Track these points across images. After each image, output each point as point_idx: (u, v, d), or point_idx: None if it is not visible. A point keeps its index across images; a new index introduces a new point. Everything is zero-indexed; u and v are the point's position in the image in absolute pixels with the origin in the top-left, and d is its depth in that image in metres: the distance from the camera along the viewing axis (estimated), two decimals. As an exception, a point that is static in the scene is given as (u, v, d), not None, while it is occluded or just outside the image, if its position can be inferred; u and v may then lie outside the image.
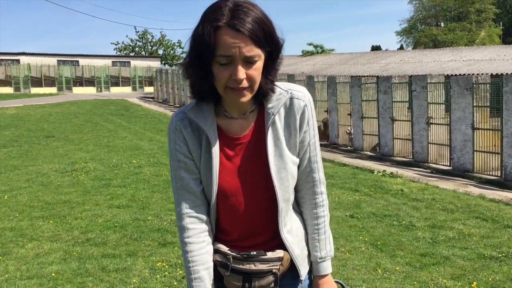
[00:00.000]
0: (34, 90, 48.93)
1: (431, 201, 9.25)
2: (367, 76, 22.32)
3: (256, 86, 1.82)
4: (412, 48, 52.38)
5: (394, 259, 6.21)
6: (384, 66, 26.29)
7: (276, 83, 1.95)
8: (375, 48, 57.16)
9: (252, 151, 1.96)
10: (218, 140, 1.92)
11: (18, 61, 54.57)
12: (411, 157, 15.08)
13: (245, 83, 1.74)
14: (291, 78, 21.91)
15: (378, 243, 6.81)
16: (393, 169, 13.04)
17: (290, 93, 1.96)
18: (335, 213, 8.39)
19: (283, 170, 1.94)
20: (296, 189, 2.07)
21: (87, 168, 12.42)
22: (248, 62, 1.72)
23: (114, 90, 51.42)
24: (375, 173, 12.34)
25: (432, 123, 14.25)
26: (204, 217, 1.98)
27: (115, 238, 7.06)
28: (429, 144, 14.33)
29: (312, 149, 2.03)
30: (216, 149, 1.91)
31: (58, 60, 57.64)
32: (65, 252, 6.52)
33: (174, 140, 1.93)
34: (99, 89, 52.68)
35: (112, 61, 58.87)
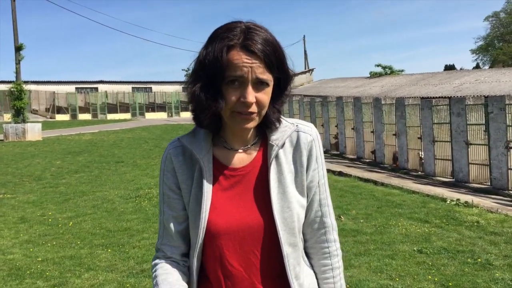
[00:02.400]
0: (110, 116, 51.53)
1: (511, 235, 8.36)
2: (439, 97, 21.24)
3: (264, 112, 1.64)
4: (489, 67, 49.68)
5: (469, 304, 5.56)
6: (458, 86, 24.95)
7: (282, 117, 1.76)
8: (449, 68, 54.83)
9: (251, 186, 1.71)
10: (212, 171, 1.69)
11: (96, 89, 57.97)
12: (488, 183, 13.96)
13: (254, 108, 1.60)
14: (357, 100, 21.34)
15: (450, 284, 6.16)
16: (469, 198, 12.08)
17: (297, 125, 1.76)
18: (401, 247, 7.78)
19: (287, 210, 1.66)
20: (305, 238, 1.79)
21: (150, 194, 12.57)
22: (259, 85, 1.60)
23: (184, 114, 52.95)
24: (448, 202, 11.48)
25: (512, 148, 13.15)
26: (179, 260, 1.76)
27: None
28: (509, 170, 13.19)
29: (322, 190, 1.77)
30: (208, 181, 1.67)
31: (132, 87, 60.53)
32: (119, 284, 6.46)
33: (163, 169, 1.75)
34: (170, 114, 54.51)
35: (183, 87, 60.87)
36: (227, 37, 1.58)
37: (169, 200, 1.74)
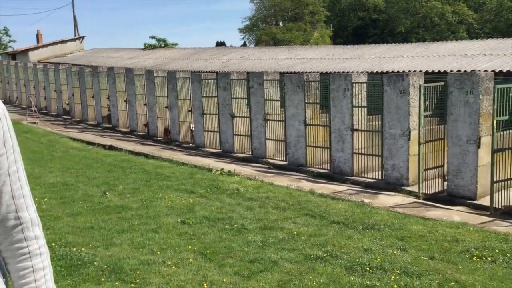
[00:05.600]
0: None
1: (265, 199, 9.18)
2: (208, 71, 22.14)
3: None
4: (254, 46, 54.24)
5: (223, 269, 5.82)
6: (226, 62, 26.45)
7: None
8: (220, 44, 57.89)
9: None
10: None
11: None
12: (250, 153, 15.18)
13: None
14: (129, 72, 20.72)
15: (208, 251, 6.38)
16: (232, 167, 12.90)
17: None
18: (166, 220, 7.79)
19: None
20: None
21: None
22: None
23: None
24: (213, 171, 12.04)
25: (269, 120, 14.48)
26: None
27: None
28: (267, 140, 14.56)
29: (15, 179, 1.47)
30: None
31: None
32: None
33: None
34: None
35: None
36: None
37: None
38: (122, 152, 15.30)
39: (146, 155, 14.75)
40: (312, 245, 6.56)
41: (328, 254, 6.19)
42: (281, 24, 57.33)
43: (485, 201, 9.57)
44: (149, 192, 9.67)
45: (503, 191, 9.35)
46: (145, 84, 19.68)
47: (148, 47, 38.54)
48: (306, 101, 13.14)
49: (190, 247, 6.56)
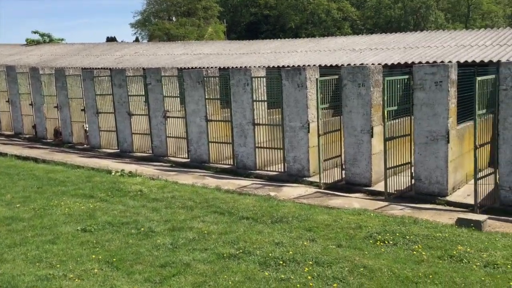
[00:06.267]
0: None
1: (171, 199, 8.90)
2: (101, 68, 21.04)
3: None
4: (148, 41, 52.76)
5: (132, 277, 5.51)
6: (119, 58, 25.37)
7: None
8: (111, 40, 55.48)
9: None
10: None
11: None
12: (151, 152, 14.69)
13: None
14: (11, 70, 18.98)
15: (114, 259, 6.00)
16: (133, 167, 12.38)
17: None
18: (64, 229, 7.21)
19: None
20: None
21: None
22: None
23: None
24: (113, 173, 11.44)
25: (169, 117, 14.11)
26: None
27: None
28: (168, 138, 14.18)
29: None
30: None
31: None
32: None
33: None
34: None
35: None
36: None
37: None
38: (7, 157, 13.99)
39: (36, 159, 13.63)
40: (224, 243, 6.47)
41: (240, 251, 6.13)
42: (174, 19, 56.39)
43: (379, 187, 10.18)
44: (42, 200, 8.91)
45: (395, 177, 10.01)
46: (30, 83, 18.16)
47: (30, 42, 35.72)
48: (206, 97, 12.99)
49: (94, 256, 6.13)
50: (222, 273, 5.53)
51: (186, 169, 12.70)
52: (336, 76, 10.93)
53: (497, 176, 9.12)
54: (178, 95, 14.15)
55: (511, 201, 8.78)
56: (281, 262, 5.72)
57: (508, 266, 5.54)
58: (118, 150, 15.33)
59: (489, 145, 9.88)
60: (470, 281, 5.19)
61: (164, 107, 14.07)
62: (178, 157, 13.98)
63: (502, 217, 8.17)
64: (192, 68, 18.51)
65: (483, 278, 5.26)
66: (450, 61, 13.29)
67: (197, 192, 9.39)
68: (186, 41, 33.75)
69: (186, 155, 13.81)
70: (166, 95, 14.05)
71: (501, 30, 18.19)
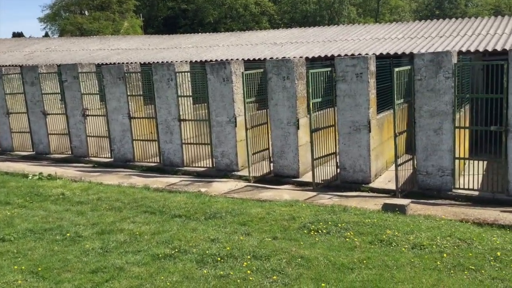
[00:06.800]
0: None
1: (97, 201, 8.49)
2: (9, 65, 19.62)
3: None
4: (59, 36, 50.00)
5: (61, 286, 5.17)
6: (29, 54, 23.80)
7: None
8: (17, 35, 52.00)
9: None
10: None
11: None
12: (70, 152, 13.94)
13: None
14: None
15: (39, 269, 5.60)
16: (52, 170, 11.67)
17: None
18: (-21, 241, 6.63)
19: None
20: None
21: None
22: None
23: None
24: (30, 177, 10.72)
25: (89, 115, 13.45)
26: None
27: None
28: (88, 137, 13.53)
29: None
30: None
31: None
32: None
33: None
34: None
35: None
36: None
37: None
38: None
39: None
40: (158, 243, 6.27)
41: (176, 250, 5.97)
42: (86, 13, 53.92)
43: (307, 178, 10.40)
44: (-49, 210, 8.14)
45: (321, 167, 10.28)
46: None
47: None
48: (128, 93, 12.53)
49: (16, 267, 5.69)
50: (159, 274, 5.35)
51: (110, 169, 12.20)
52: (261, 70, 10.99)
53: (415, 162, 9.66)
54: (98, 92, 13.53)
55: (428, 184, 9.34)
56: (218, 259, 5.64)
57: (434, 247, 5.88)
58: (34, 152, 14.41)
59: (405, 133, 10.44)
60: (401, 263, 5.43)
61: (83, 105, 13.41)
62: (100, 157, 13.40)
63: (422, 200, 8.67)
64: (111, 64, 17.79)
65: (412, 260, 5.53)
66: (367, 54, 13.86)
67: (125, 192, 9.04)
68: (102, 36, 32.40)
69: (109, 154, 13.26)
70: (85, 92, 13.39)
71: (411, 24, 19.29)
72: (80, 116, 13.49)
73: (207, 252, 5.83)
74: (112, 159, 13.05)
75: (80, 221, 7.37)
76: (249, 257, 5.66)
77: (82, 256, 5.96)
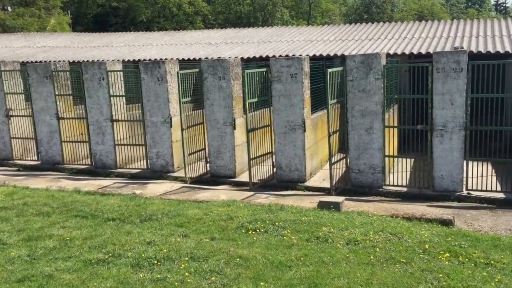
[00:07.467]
0: None
1: (22, 206, 8.01)
2: None
3: None
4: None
5: (-16, 298, 4.82)
6: None
7: None
8: None
9: None
10: None
11: None
12: (-8, 156, 13.08)
13: None
14: None
15: (-41, 281, 5.20)
16: (-29, 174, 10.89)
17: None
18: None
19: None
20: None
21: None
22: None
23: None
24: None
25: (12, 116, 12.70)
26: None
27: None
28: (12, 139, 12.77)
29: None
30: None
31: None
32: None
33: None
34: None
35: None
36: None
37: None
38: None
39: None
40: (90, 248, 6.01)
41: (110, 255, 5.75)
42: (9, 9, 50.98)
43: (244, 177, 10.42)
44: None
45: (257, 166, 10.34)
46: None
47: None
48: (56, 93, 11.97)
49: None
50: (91, 280, 5.12)
51: (37, 172, 11.58)
52: (197, 70, 10.88)
53: (348, 160, 9.95)
54: (23, 92, 12.81)
55: (360, 182, 9.66)
56: (155, 262, 5.49)
57: (367, 242, 6.06)
58: (-49, 156, 13.38)
59: (339, 132, 10.74)
60: (337, 259, 5.55)
61: (6, 105, 12.64)
62: (26, 160, 12.70)
63: (354, 197, 8.95)
64: (37, 62, 16.90)
65: (347, 255, 5.68)
66: (301, 55, 14.12)
67: (53, 196, 8.60)
68: (26, 33, 30.76)
69: (36, 157, 12.60)
70: (8, 91, 12.63)
71: (342, 26, 19.90)
72: (3, 117, 12.71)
73: (143, 255, 5.66)
74: (39, 162, 12.40)
75: (5, 227, 6.92)
76: (186, 259, 5.56)
77: (7, 265, 5.59)
